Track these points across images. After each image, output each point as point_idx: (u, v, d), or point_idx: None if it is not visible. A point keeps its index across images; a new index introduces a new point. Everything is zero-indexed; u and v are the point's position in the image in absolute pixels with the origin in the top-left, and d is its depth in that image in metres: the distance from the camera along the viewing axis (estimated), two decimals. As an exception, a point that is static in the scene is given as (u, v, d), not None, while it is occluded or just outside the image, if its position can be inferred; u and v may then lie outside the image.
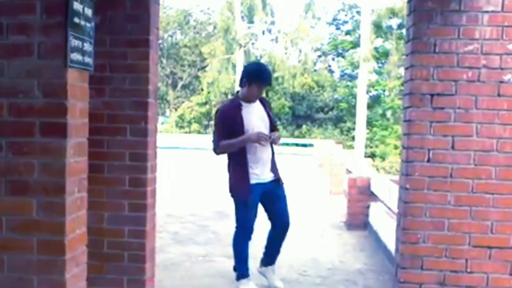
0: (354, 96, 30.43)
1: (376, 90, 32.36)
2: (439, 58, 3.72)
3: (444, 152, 3.73)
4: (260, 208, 4.86)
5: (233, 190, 4.82)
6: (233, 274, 4.92)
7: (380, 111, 30.49)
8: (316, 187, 12.79)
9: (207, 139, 27.01)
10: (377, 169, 20.11)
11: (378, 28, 27.27)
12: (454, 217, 3.74)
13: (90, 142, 3.09)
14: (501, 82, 3.69)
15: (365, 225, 7.65)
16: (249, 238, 4.85)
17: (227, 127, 4.72)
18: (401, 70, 23.93)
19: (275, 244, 4.94)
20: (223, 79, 34.53)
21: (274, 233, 4.91)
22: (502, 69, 3.68)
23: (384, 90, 31.66)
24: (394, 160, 23.80)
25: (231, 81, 34.56)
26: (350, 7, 37.56)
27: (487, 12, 3.68)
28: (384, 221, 6.56)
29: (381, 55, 30.09)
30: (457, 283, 3.75)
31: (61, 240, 2.78)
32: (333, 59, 39.48)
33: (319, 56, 39.44)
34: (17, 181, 2.80)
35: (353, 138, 29.20)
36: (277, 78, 31.39)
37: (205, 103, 35.68)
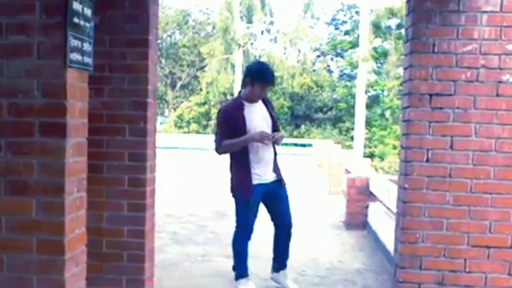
0: (353, 96, 30.45)
1: (375, 90, 32.38)
2: (438, 58, 3.72)
3: (443, 152, 3.74)
4: (262, 209, 4.86)
5: (235, 190, 4.80)
6: (232, 274, 4.92)
7: (379, 111, 30.51)
8: (315, 187, 12.80)
9: (206, 139, 27.04)
10: (376, 169, 20.14)
11: (377, 28, 27.27)
12: (452, 217, 3.75)
13: (89, 142, 3.09)
14: (500, 82, 3.69)
15: (364, 225, 7.65)
16: (249, 238, 4.86)
17: (230, 127, 4.71)
18: (400, 70, 23.94)
19: (281, 247, 4.93)
20: (222, 79, 34.54)
21: (278, 234, 4.91)
22: (500, 69, 3.69)
23: (383, 90, 31.68)
24: (393, 160, 23.82)
25: (230, 81, 34.58)
26: (349, 7, 37.59)
27: (485, 12, 3.68)
28: (383, 221, 6.57)
29: (380, 55, 30.10)
30: (456, 282, 3.76)
31: (61, 240, 2.79)
32: (332, 59, 39.53)
33: (318, 56, 39.49)
34: (17, 181, 2.80)
35: (352, 138, 29.21)
36: (275, 78, 31.37)
37: (204, 103, 35.68)
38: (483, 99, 3.70)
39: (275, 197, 4.82)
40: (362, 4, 27.67)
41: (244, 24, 35.15)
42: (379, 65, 32.37)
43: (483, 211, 3.72)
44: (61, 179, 2.77)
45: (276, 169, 4.85)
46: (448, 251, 3.76)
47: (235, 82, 34.09)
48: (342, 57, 37.68)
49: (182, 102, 38.88)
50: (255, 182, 4.69)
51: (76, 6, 2.83)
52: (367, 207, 7.65)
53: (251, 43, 36.62)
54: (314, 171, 16.99)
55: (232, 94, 34.41)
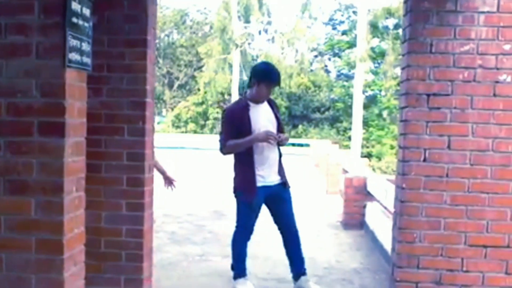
0: (350, 96, 30.48)
1: (372, 90, 32.44)
2: (435, 58, 3.74)
3: (440, 152, 3.75)
4: (263, 209, 4.83)
5: (238, 191, 4.79)
6: (230, 274, 4.93)
7: (376, 111, 30.56)
8: (313, 187, 12.81)
9: (204, 138, 27.05)
10: (373, 169, 20.18)
11: (374, 28, 27.33)
12: (450, 216, 3.76)
13: (88, 141, 3.10)
14: (497, 82, 3.71)
15: (361, 225, 7.67)
16: (248, 239, 4.85)
17: (235, 127, 4.68)
18: (397, 70, 24.00)
19: (292, 252, 4.84)
20: (219, 79, 34.54)
21: (285, 240, 4.85)
22: (497, 69, 3.70)
23: (380, 90, 31.74)
24: (390, 160, 23.86)
25: (228, 81, 34.59)
26: (347, 7, 37.62)
27: (483, 12, 3.69)
28: (380, 221, 6.58)
29: (378, 55, 30.16)
30: (453, 282, 3.77)
31: (59, 239, 2.79)
32: (329, 59, 39.55)
33: (316, 56, 39.49)
34: (16, 181, 2.81)
35: (349, 138, 29.24)
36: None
37: (202, 103, 35.70)
38: (480, 99, 3.71)
39: (279, 200, 4.79)
40: (359, 4, 27.70)
41: (241, 24, 35.16)
42: (376, 65, 32.43)
43: (480, 210, 3.74)
44: (60, 179, 2.78)
45: (281, 171, 4.81)
46: (445, 251, 3.77)
47: (233, 82, 34.12)
48: (339, 57, 37.71)
49: (179, 102, 38.88)
50: (259, 184, 4.66)
51: (75, 6, 2.83)
52: (364, 206, 7.67)
53: (249, 43, 36.64)
54: (311, 171, 17.00)
55: (229, 94, 34.44)
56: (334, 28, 39.23)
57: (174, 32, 42.93)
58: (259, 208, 4.77)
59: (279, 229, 4.88)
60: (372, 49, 29.04)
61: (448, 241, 3.76)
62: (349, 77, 34.97)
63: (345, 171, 10.42)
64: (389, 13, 26.34)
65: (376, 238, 6.59)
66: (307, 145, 25.13)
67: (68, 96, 2.79)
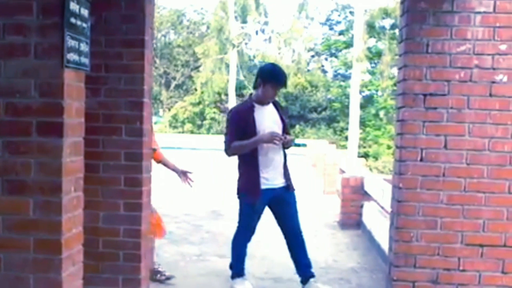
0: (347, 96, 30.51)
1: (369, 90, 32.47)
2: (431, 58, 3.75)
3: (437, 152, 3.77)
4: (267, 211, 4.82)
5: (242, 193, 4.77)
6: (228, 274, 4.94)
7: (373, 111, 30.60)
8: (310, 187, 12.81)
9: (201, 139, 27.01)
10: (370, 169, 20.17)
11: (371, 28, 27.33)
12: (446, 215, 3.77)
13: (86, 141, 3.10)
14: (493, 82, 3.72)
15: (358, 224, 7.69)
16: (249, 240, 4.85)
17: (240, 129, 4.66)
18: (394, 70, 24.01)
19: (297, 255, 4.82)
20: (216, 79, 34.54)
21: (289, 243, 4.84)
22: (494, 69, 3.72)
23: (377, 90, 31.78)
24: (387, 160, 23.90)
25: (225, 81, 34.58)
26: (343, 7, 37.69)
27: (479, 13, 3.71)
28: (377, 220, 6.60)
29: (374, 55, 30.19)
30: (450, 281, 3.79)
31: (58, 239, 2.80)
32: (326, 59, 39.60)
33: (313, 56, 39.53)
34: (14, 181, 2.81)
35: (346, 138, 29.27)
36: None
37: (199, 103, 35.69)
38: (477, 99, 3.73)
39: (283, 202, 4.77)
40: (356, 5, 27.72)
41: (238, 24, 35.15)
42: (373, 65, 32.46)
43: (477, 210, 3.75)
44: (58, 179, 2.78)
45: (286, 174, 4.78)
46: (442, 250, 3.79)
47: (230, 82, 34.11)
48: (336, 57, 37.75)
49: (176, 102, 38.87)
50: (263, 186, 4.64)
51: (73, 6, 2.84)
52: (361, 206, 7.68)
53: (246, 43, 36.68)
54: (308, 171, 16.99)
55: (226, 94, 34.44)
56: (331, 28, 39.30)
57: (171, 32, 42.92)
58: (262, 210, 4.76)
59: (283, 232, 4.85)
60: (369, 49, 29.09)
61: (445, 241, 3.78)
62: (346, 77, 35.00)
63: (342, 171, 10.43)
64: (385, 13, 26.37)
65: (373, 238, 6.61)
66: (304, 145, 25.10)
67: (66, 96, 2.80)
